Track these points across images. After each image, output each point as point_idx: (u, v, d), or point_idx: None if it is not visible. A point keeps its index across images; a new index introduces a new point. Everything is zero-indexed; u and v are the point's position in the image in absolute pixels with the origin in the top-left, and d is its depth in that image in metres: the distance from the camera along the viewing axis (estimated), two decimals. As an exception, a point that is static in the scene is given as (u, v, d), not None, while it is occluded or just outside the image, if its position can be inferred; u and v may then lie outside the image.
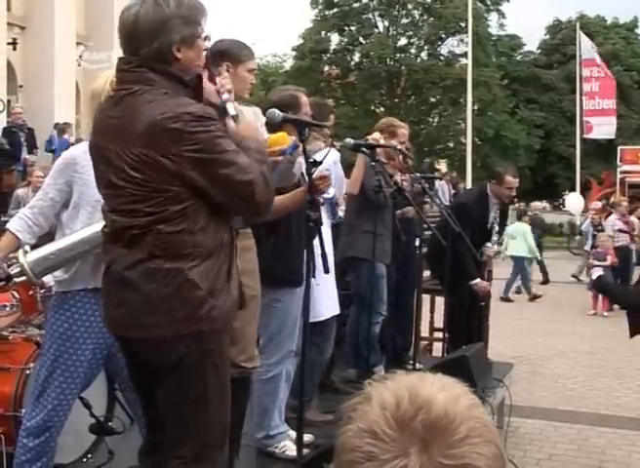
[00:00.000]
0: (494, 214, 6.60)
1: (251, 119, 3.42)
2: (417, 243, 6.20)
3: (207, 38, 2.70)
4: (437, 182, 12.90)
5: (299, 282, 3.85)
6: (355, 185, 5.33)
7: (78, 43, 24.71)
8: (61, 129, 17.13)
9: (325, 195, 3.90)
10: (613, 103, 28.72)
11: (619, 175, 22.61)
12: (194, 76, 2.66)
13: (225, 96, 2.83)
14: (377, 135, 5.32)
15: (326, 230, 4.60)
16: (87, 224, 3.27)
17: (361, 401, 0.98)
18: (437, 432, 0.90)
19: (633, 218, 13.98)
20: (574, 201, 13.36)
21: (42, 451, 3.32)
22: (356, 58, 37.67)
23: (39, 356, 3.62)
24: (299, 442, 3.16)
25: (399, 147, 5.48)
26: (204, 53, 2.70)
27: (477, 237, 6.08)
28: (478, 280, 6.37)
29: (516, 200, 14.80)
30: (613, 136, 28.77)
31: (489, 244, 6.70)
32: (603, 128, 28.43)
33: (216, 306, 2.55)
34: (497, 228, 6.75)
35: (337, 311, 4.78)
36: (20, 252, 3.28)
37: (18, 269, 3.27)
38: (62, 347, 3.29)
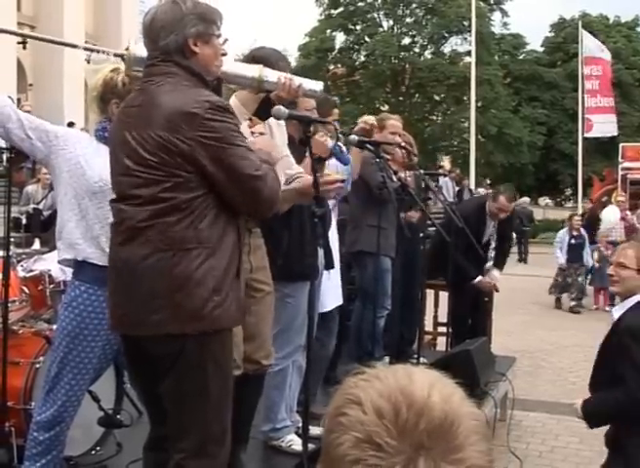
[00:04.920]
0: (490, 231, 6.61)
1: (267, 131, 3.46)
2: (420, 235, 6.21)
3: (225, 41, 2.78)
4: (441, 179, 12.91)
5: (313, 276, 3.84)
6: (355, 170, 5.11)
7: (86, 42, 24.77)
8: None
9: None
10: (611, 101, 28.77)
11: (620, 172, 22.54)
12: (215, 78, 2.75)
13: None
14: (365, 117, 5.28)
15: (332, 225, 4.64)
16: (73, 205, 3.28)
17: (348, 404, 0.94)
18: (440, 437, 0.89)
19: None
20: (611, 214, 13.05)
21: (52, 445, 3.32)
22: (361, 56, 37.68)
23: (49, 351, 3.64)
24: (305, 435, 3.18)
25: (403, 144, 5.52)
26: (222, 54, 2.76)
27: (472, 251, 6.12)
28: (479, 278, 6.39)
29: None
30: (615, 134, 28.78)
31: (495, 272, 6.72)
32: (604, 125, 28.44)
33: (220, 305, 2.55)
34: (493, 244, 6.75)
35: (340, 301, 4.77)
36: (132, 41, 3.25)
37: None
38: (72, 344, 3.28)
